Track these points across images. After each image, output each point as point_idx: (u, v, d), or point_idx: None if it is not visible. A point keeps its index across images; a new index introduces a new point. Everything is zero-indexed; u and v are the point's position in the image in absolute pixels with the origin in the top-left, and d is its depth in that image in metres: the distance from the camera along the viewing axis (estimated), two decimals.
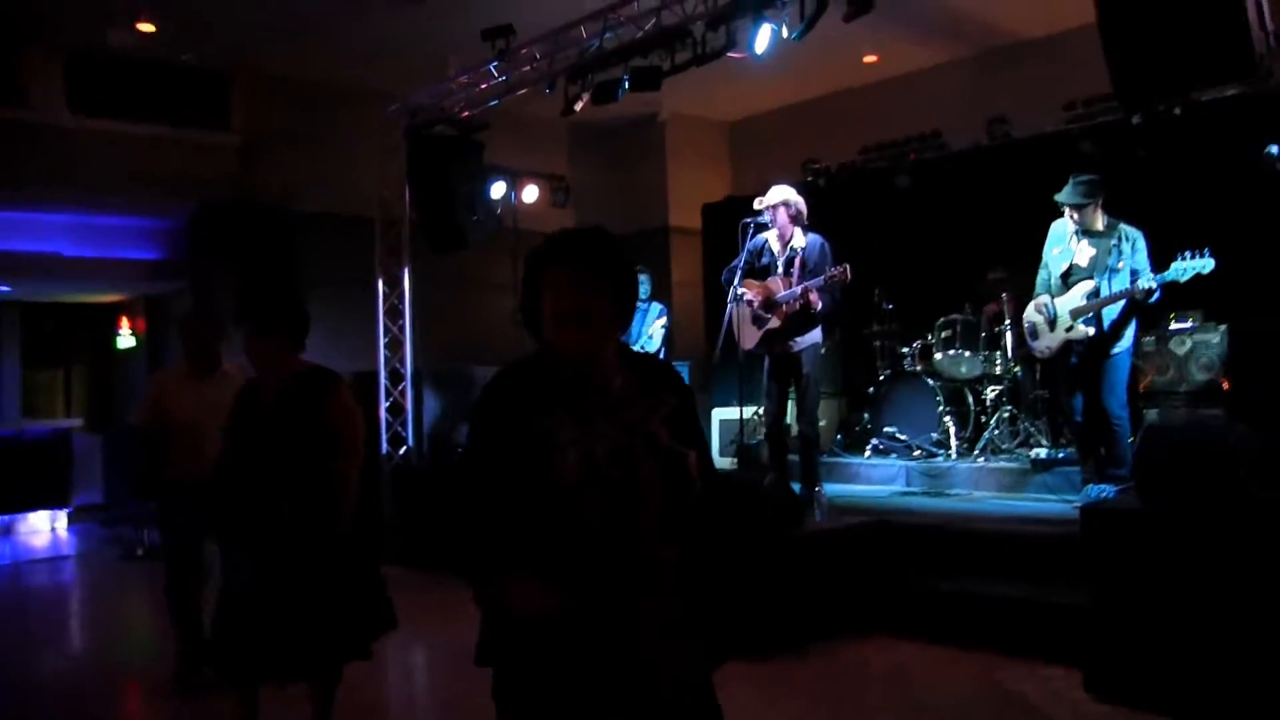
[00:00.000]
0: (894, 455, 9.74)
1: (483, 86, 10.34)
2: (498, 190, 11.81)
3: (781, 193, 7.92)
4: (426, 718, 6.22)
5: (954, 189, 11.19)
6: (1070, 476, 8.07)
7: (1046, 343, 7.57)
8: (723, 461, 10.89)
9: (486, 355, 12.42)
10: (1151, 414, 8.20)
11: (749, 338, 7.99)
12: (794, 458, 8.20)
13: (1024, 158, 10.49)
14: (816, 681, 6.18)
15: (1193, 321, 8.28)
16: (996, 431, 9.17)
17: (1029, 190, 8.78)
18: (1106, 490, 7.11)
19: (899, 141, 12.19)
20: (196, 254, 12.36)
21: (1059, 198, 7.41)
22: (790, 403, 8.33)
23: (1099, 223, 7.35)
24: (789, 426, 8.47)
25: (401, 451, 10.92)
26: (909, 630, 6.85)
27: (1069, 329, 7.37)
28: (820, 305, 7.62)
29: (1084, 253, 7.38)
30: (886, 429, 9.90)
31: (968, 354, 9.49)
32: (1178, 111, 8.28)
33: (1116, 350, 7.25)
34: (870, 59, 12.63)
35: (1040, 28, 11.55)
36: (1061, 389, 7.79)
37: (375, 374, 11.16)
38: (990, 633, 6.48)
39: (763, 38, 7.99)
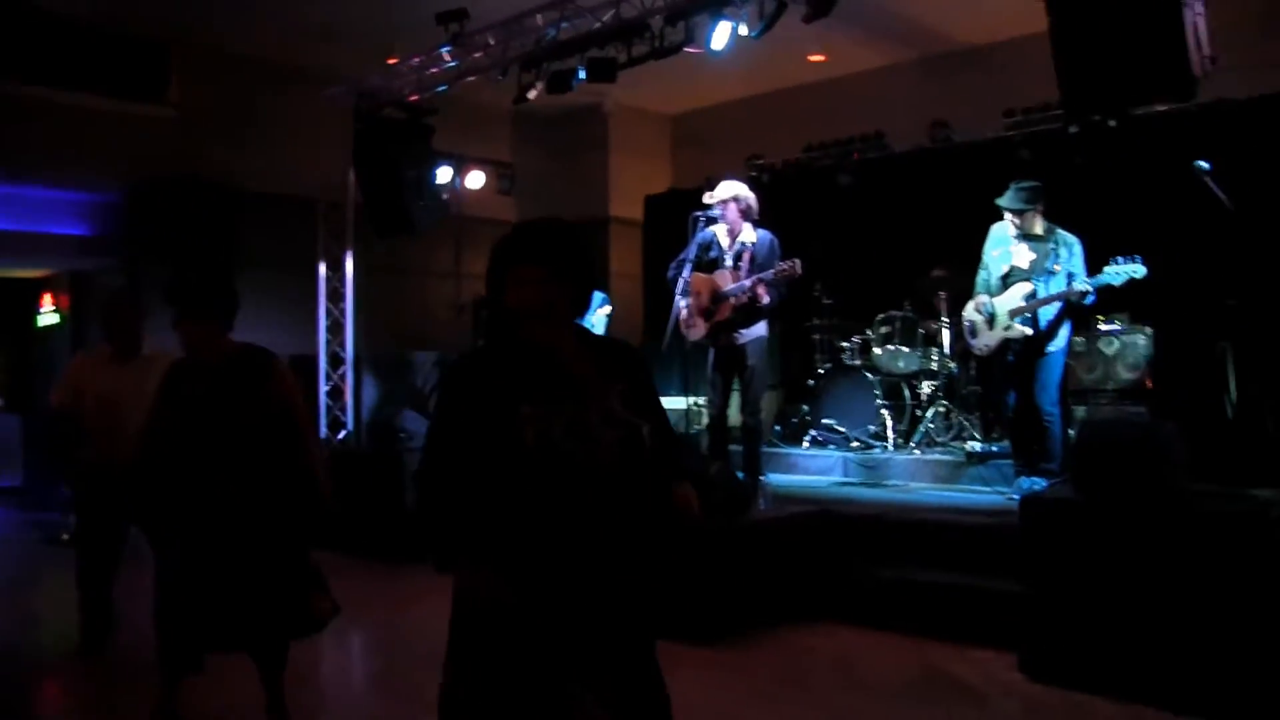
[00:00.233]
0: (832, 446, 9.96)
1: (433, 70, 10.35)
2: (443, 175, 11.81)
3: (732, 188, 8.05)
4: (367, 700, 6.29)
5: (895, 189, 11.44)
6: (1003, 469, 8.33)
7: (985, 341, 7.82)
8: None
9: (427, 340, 12.49)
10: (1080, 411, 8.50)
11: (696, 329, 8.13)
12: (735, 448, 8.38)
13: (964, 161, 10.78)
14: (763, 666, 6.33)
15: (1120, 323, 8.59)
16: (932, 425, 9.43)
17: (968, 193, 9.06)
18: (1038, 483, 7.39)
19: (843, 141, 12.40)
20: (130, 231, 12.07)
21: (1000, 202, 7.66)
22: (734, 394, 8.49)
23: (1038, 227, 7.61)
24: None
25: (340, 436, 10.93)
26: (851, 616, 7.04)
27: (1007, 328, 7.62)
28: (768, 299, 7.77)
29: (1023, 256, 7.64)
30: (825, 421, 10.11)
31: (906, 349, 9.76)
32: (1112, 124, 8.62)
33: (1051, 349, 7.51)
34: (816, 58, 12.77)
35: (983, 36, 11.79)
36: (997, 385, 8.04)
37: (315, 357, 11.14)
38: (929, 618, 6.70)
39: (721, 35, 8.11)
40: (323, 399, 10.95)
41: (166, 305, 4.83)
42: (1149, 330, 8.46)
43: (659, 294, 12.78)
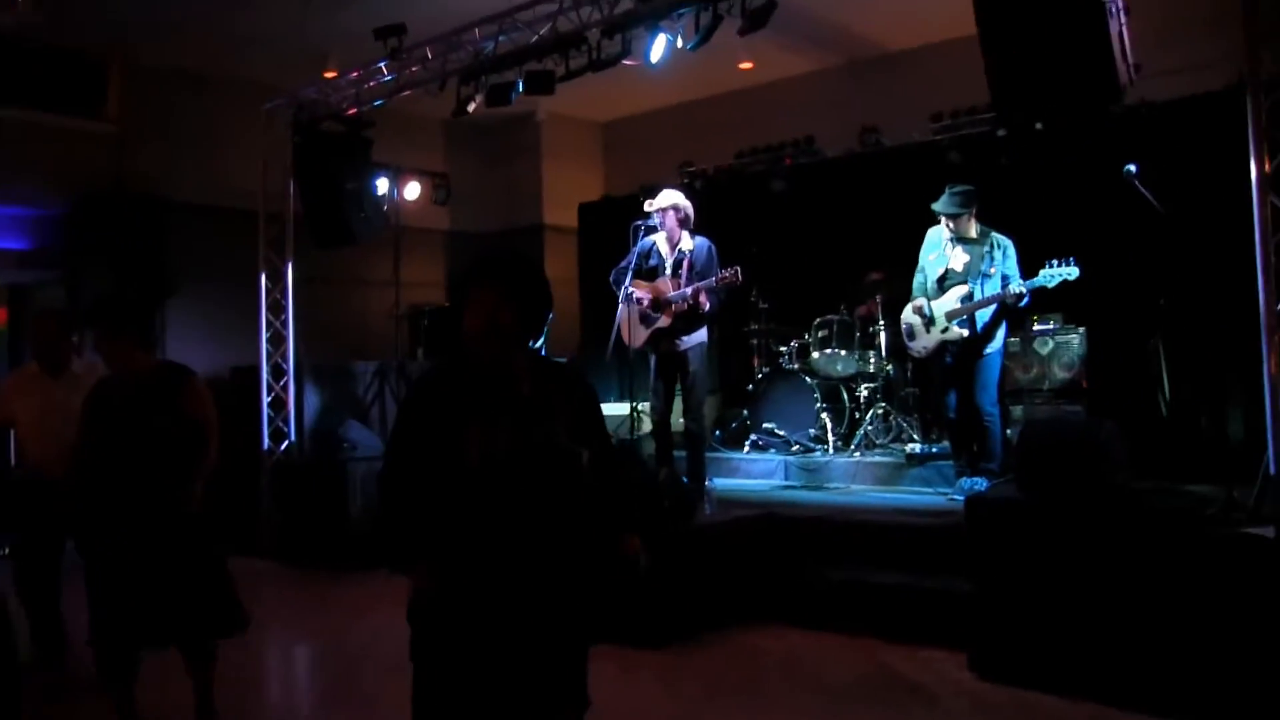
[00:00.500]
0: (773, 450, 10.08)
1: (371, 84, 10.37)
2: (381, 187, 11.84)
3: (670, 197, 8.19)
4: (316, 709, 6.31)
5: (828, 194, 11.55)
6: (943, 470, 8.52)
7: (923, 343, 7.99)
8: None
9: (368, 350, 12.44)
10: (1017, 410, 8.69)
11: (637, 336, 8.23)
12: (679, 453, 8.48)
13: (895, 165, 10.94)
14: (712, 668, 6.42)
15: (1054, 324, 8.79)
16: (871, 427, 9.58)
17: (900, 197, 9.27)
18: (979, 483, 7.57)
19: (774, 146, 12.49)
20: (69, 245, 12.01)
21: (935, 207, 7.83)
22: (676, 399, 8.59)
23: (972, 231, 7.79)
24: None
25: (284, 446, 10.89)
26: (799, 619, 7.15)
27: (944, 330, 7.80)
28: (708, 305, 7.91)
29: (958, 259, 7.82)
30: (765, 425, 10.23)
31: (843, 353, 9.89)
32: (1039, 126, 8.82)
33: (989, 350, 7.71)
34: (745, 65, 12.89)
35: (909, 40, 11.92)
36: (936, 387, 8.20)
37: (256, 369, 11.09)
38: (876, 619, 6.83)
39: (658, 47, 8.18)
40: (265, 410, 10.89)
41: (87, 327, 5.11)
42: (1082, 330, 8.65)
43: (594, 300, 12.90)
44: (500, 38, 9.12)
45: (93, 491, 5.05)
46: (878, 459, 9.25)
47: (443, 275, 14.67)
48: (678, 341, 8.10)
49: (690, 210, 8.14)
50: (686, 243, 8.09)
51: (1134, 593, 5.40)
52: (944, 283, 7.86)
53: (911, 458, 8.89)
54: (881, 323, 9.73)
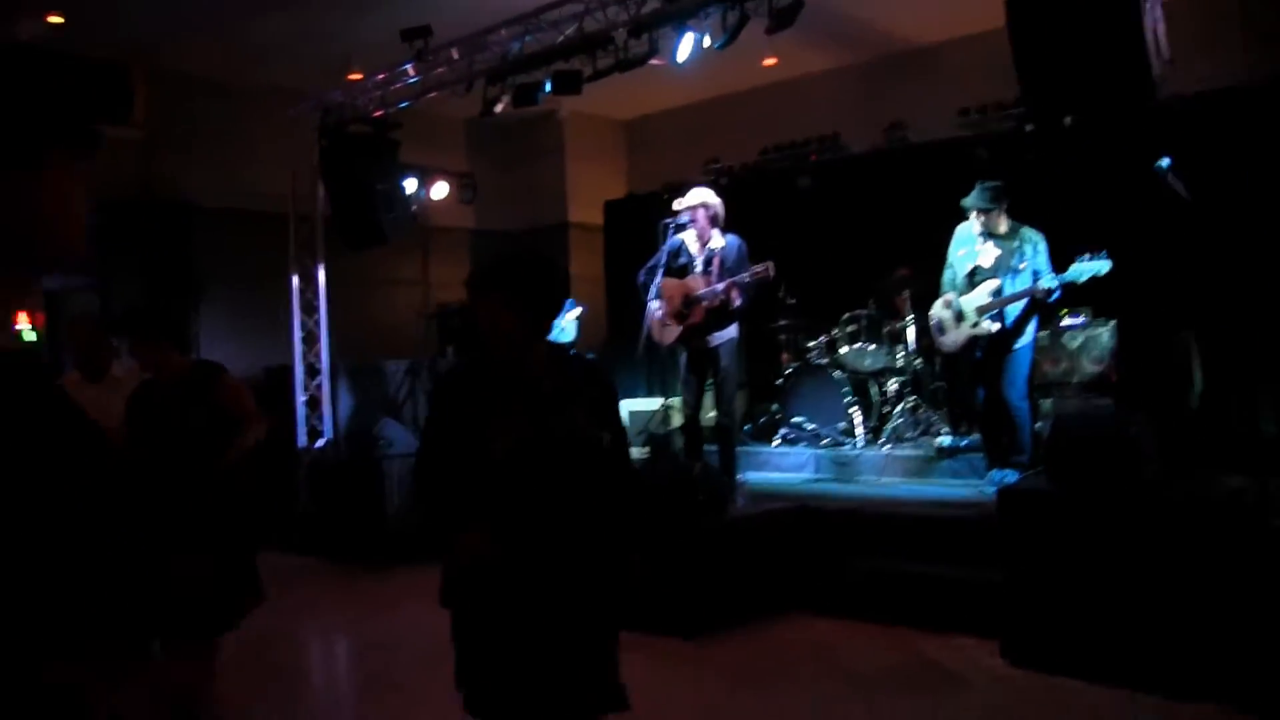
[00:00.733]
0: (802, 444, 10.12)
1: (397, 86, 10.48)
2: (409, 187, 11.97)
3: (700, 195, 8.23)
4: (358, 699, 6.44)
5: (854, 190, 11.59)
6: (973, 462, 8.54)
7: (953, 338, 8.02)
8: (633, 451, 11.23)
9: (398, 348, 12.56)
10: (1046, 404, 8.71)
11: (668, 334, 8.29)
12: (709, 448, 8.55)
13: (921, 161, 10.98)
14: (744, 658, 6.52)
15: (1084, 317, 8.81)
16: (900, 421, 9.62)
17: (927, 193, 9.28)
18: (1009, 475, 7.60)
19: (799, 143, 12.57)
20: (101, 251, 12.21)
21: (966, 202, 7.84)
22: (707, 394, 8.66)
23: (1003, 226, 7.81)
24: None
25: (319, 444, 11.01)
26: (832, 609, 7.24)
27: (974, 325, 7.82)
28: (739, 302, 7.98)
29: (989, 254, 7.83)
30: (794, 419, 10.29)
31: (872, 347, 9.94)
32: (1068, 121, 8.83)
33: (1018, 345, 7.73)
34: (769, 62, 12.93)
35: (933, 35, 11.96)
36: (966, 382, 8.23)
37: (289, 369, 11.22)
38: (907, 609, 6.90)
39: (685, 47, 8.26)
40: (300, 409, 11.02)
41: (120, 335, 5.22)
42: (1112, 323, 8.67)
43: (620, 297, 12.97)
44: (526, 38, 9.21)
45: (137, 488, 5.16)
46: (907, 452, 9.28)
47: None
48: (708, 338, 8.15)
49: (720, 208, 8.18)
50: (717, 240, 8.14)
51: (1163, 582, 5.46)
52: (974, 278, 7.87)
53: (941, 451, 8.92)
54: (909, 317, 9.77)
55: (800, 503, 8.07)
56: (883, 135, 11.74)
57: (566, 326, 11.03)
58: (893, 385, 9.96)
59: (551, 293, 3.42)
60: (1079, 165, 9.47)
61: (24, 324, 14.81)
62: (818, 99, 13.03)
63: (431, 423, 3.57)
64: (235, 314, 12.14)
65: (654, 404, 11.21)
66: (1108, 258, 7.25)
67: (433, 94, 10.29)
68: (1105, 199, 9.06)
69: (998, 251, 7.79)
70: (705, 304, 8.04)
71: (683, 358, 8.43)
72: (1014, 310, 7.70)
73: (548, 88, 9.10)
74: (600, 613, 3.39)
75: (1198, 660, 5.31)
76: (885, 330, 9.99)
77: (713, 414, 8.63)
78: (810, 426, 10.15)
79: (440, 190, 13.03)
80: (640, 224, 11.47)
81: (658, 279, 8.18)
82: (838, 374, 10.13)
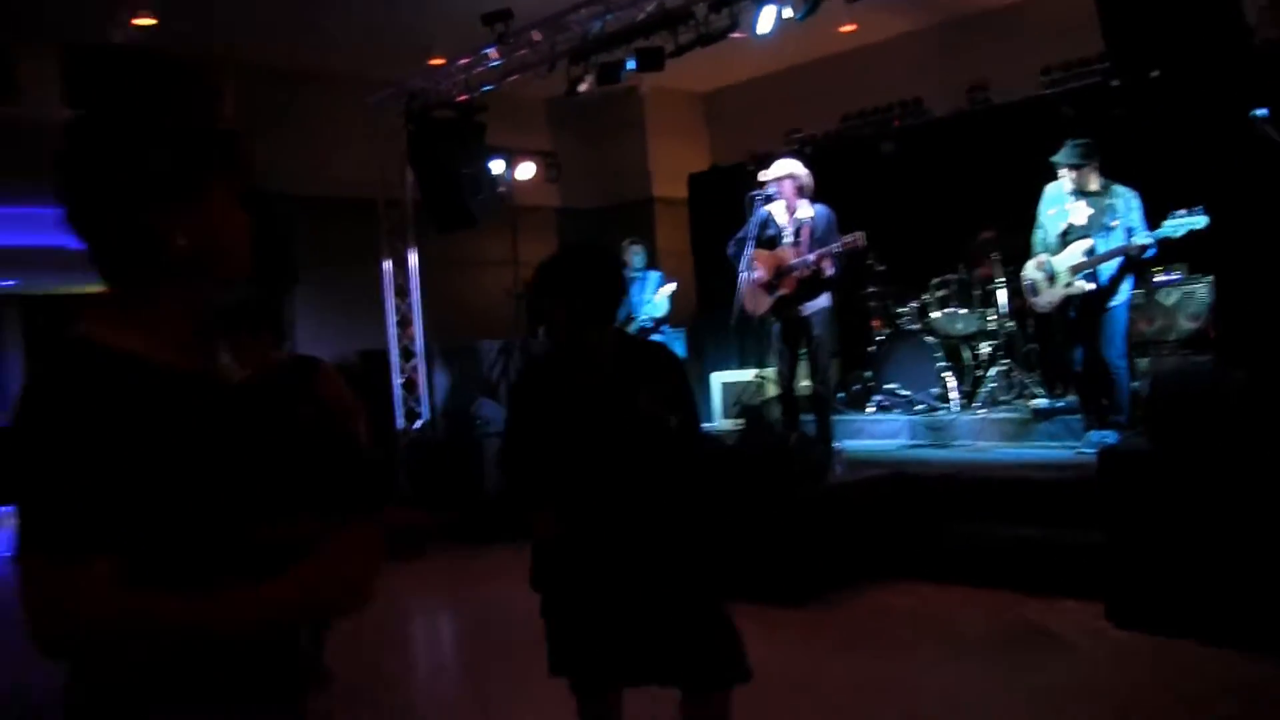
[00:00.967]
0: (897, 410, 10.12)
1: (480, 70, 10.61)
2: (496, 169, 12.10)
3: (787, 166, 8.27)
4: (466, 663, 6.66)
5: (938, 154, 11.50)
6: (1070, 424, 8.49)
7: (1047, 299, 7.96)
8: (725, 423, 11.32)
9: (489, 329, 12.73)
10: (1143, 362, 8.62)
11: (760, 304, 8.35)
12: (805, 417, 8.60)
13: (1005, 122, 10.88)
14: (851, 623, 6.58)
15: (1179, 274, 8.71)
16: (994, 384, 9.58)
17: (1012, 153, 9.21)
18: (1108, 435, 7.55)
19: (881, 109, 12.51)
20: None
21: (1056, 159, 7.74)
22: (800, 364, 8.70)
23: (1094, 183, 7.72)
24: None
25: (417, 425, 11.23)
26: (932, 574, 7.24)
27: (1068, 285, 7.76)
28: (831, 271, 8.01)
29: (1080, 212, 7.76)
30: (888, 386, 10.30)
31: (963, 311, 9.89)
32: (1155, 74, 8.68)
33: (1114, 304, 7.66)
34: (847, 28, 12.85)
35: None
36: (1062, 342, 8.16)
37: (383, 352, 11.45)
38: (1009, 573, 6.89)
39: (766, 19, 8.27)
40: (397, 391, 11.26)
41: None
42: (1209, 279, 8.55)
43: (708, 270, 13.03)
44: (607, 16, 9.27)
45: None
46: (1003, 415, 9.25)
47: None
48: (801, 307, 8.20)
49: (807, 179, 8.21)
50: (805, 210, 8.17)
51: (1269, 541, 5.41)
52: (1066, 237, 7.79)
53: (1037, 413, 8.88)
54: (999, 280, 9.71)
55: (897, 469, 8.10)
56: (965, 97, 11.65)
57: (659, 302, 11.14)
58: (985, 349, 9.91)
59: (601, 282, 3.57)
60: (1169, 118, 9.31)
61: None
62: (898, 63, 12.94)
63: (511, 412, 3.91)
64: (327, 300, 12.38)
65: (746, 375, 11.27)
66: (1204, 212, 7.16)
67: (515, 76, 10.40)
68: (1198, 151, 8.91)
69: (1090, 210, 7.71)
70: (796, 274, 8.08)
71: (775, 328, 8.48)
72: (1108, 268, 7.62)
73: (630, 65, 9.16)
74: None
75: None
76: (975, 294, 9.93)
77: (806, 383, 8.67)
78: (904, 393, 10.15)
79: (526, 170, 13.16)
80: (725, 196, 11.49)
81: (748, 251, 8.23)
82: (930, 339, 10.12)
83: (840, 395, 10.75)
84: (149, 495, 1.59)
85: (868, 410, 10.37)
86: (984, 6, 12.22)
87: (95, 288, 1.82)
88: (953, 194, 11.17)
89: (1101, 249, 7.61)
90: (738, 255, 8.30)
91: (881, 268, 10.98)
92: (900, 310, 10.59)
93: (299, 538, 1.71)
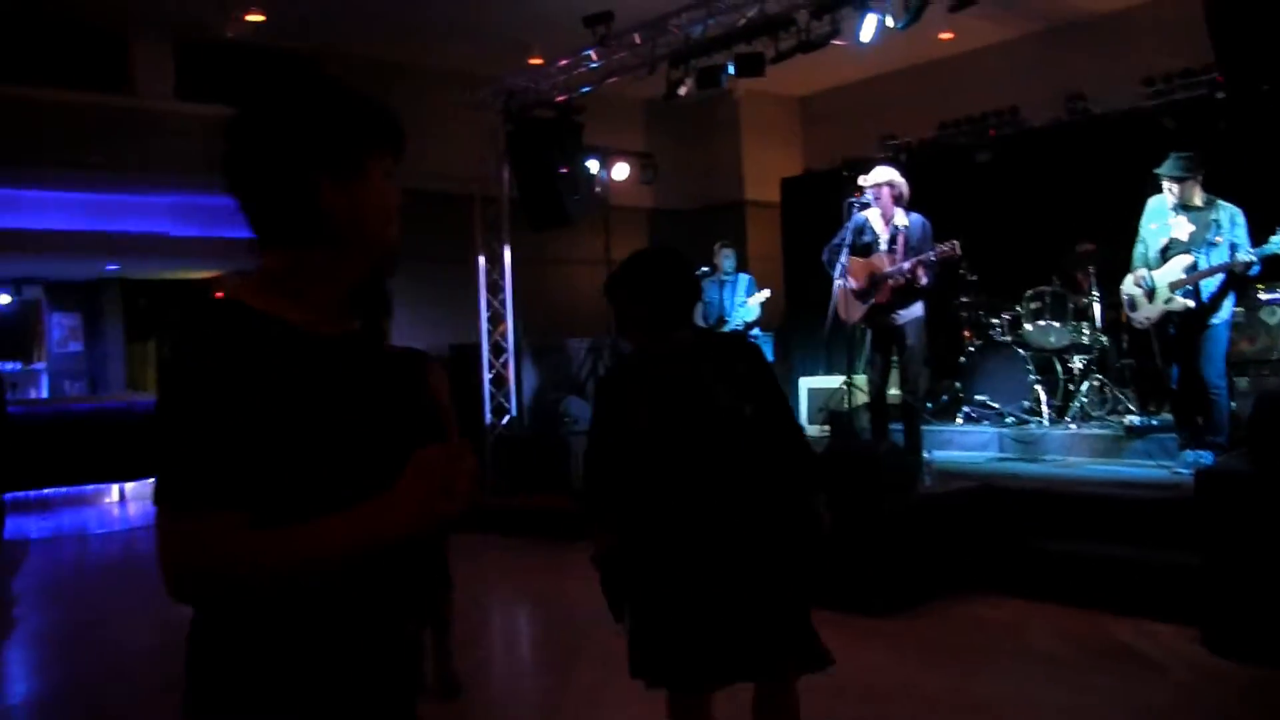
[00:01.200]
0: (986, 422, 10.07)
1: (579, 70, 10.71)
2: (592, 169, 12.19)
3: (885, 173, 8.26)
4: (550, 658, 6.74)
5: (1034, 164, 11.41)
6: (1164, 443, 8.37)
7: (1145, 314, 7.85)
8: (811, 429, 11.31)
9: (580, 328, 12.84)
10: (1242, 382, 8.48)
11: (854, 311, 8.35)
12: (894, 426, 8.58)
13: (1104, 133, 10.75)
14: (939, 636, 6.54)
15: None
16: (1086, 399, 9.48)
17: (1110, 165, 9.09)
18: (1205, 456, 7.44)
19: (976, 117, 12.40)
20: None
21: (1159, 171, 7.61)
22: (891, 372, 8.68)
23: (1197, 198, 7.60)
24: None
25: (505, 421, 11.37)
26: (1019, 590, 7.16)
27: (1168, 301, 7.65)
28: (926, 280, 7.99)
29: (1182, 227, 7.63)
30: (978, 397, 10.23)
31: (1057, 324, 9.79)
32: (1266, 87, 8.54)
33: (1215, 322, 7.52)
34: (945, 35, 12.81)
35: (1113, 2, 11.71)
36: (1159, 359, 8.05)
37: (475, 347, 11.59)
38: (1099, 591, 6.80)
39: (868, 27, 8.26)
40: (487, 386, 11.40)
41: None
42: None
43: (798, 275, 13.03)
44: (708, 21, 9.31)
45: None
46: (1095, 431, 9.16)
47: None
48: (894, 315, 8.18)
49: (905, 187, 8.20)
50: (901, 219, 8.16)
51: None
52: (1167, 252, 7.68)
53: (1131, 430, 8.77)
54: (1095, 294, 9.61)
55: (986, 482, 8.05)
56: (1063, 107, 11.52)
57: (752, 306, 11.18)
58: (1078, 362, 9.81)
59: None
60: (1276, 132, 9.15)
61: None
62: (995, 71, 12.88)
63: (596, 410, 3.93)
64: (421, 293, 12.53)
65: (833, 382, 11.26)
66: None
67: (614, 78, 10.49)
68: None
69: (1192, 225, 7.59)
70: (891, 282, 8.07)
71: (868, 335, 8.48)
72: (1210, 285, 7.50)
73: (731, 70, 9.19)
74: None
75: None
76: (1070, 307, 9.83)
77: (896, 391, 8.65)
78: (993, 405, 10.09)
79: (621, 171, 13.23)
80: (817, 201, 11.49)
81: (843, 257, 8.23)
82: (1021, 351, 10.04)
83: (929, 405, 10.70)
84: (281, 453, 1.67)
85: (956, 421, 10.31)
86: (1084, 15, 12.14)
87: (192, 274, 1.91)
88: (1048, 205, 11.07)
89: (1203, 265, 7.49)
90: (832, 261, 8.30)
91: (974, 278, 10.91)
92: (992, 321, 10.52)
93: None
